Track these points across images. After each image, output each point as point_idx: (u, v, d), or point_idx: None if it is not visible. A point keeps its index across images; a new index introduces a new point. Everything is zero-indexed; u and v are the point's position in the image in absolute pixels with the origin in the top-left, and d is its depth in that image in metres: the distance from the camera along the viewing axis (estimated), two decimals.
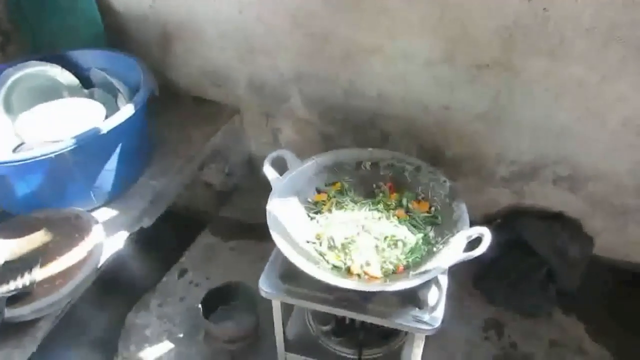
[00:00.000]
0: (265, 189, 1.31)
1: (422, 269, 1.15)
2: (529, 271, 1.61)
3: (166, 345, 1.56)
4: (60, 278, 1.25)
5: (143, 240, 1.57)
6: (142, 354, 1.54)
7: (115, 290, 1.65)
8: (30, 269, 1.25)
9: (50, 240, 1.34)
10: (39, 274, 1.25)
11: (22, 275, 1.23)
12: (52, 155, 1.28)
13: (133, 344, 1.57)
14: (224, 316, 1.60)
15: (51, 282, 1.24)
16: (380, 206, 1.33)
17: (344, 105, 1.69)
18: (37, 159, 1.27)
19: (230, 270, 1.79)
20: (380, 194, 1.38)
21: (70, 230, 1.35)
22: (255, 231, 1.81)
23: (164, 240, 1.80)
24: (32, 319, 1.18)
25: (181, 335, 1.59)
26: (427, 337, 1.20)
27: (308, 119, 1.79)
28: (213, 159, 1.89)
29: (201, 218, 2.03)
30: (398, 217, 1.30)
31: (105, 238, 1.36)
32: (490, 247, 1.10)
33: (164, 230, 1.68)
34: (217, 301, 1.60)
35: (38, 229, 1.35)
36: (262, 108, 1.86)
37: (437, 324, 1.13)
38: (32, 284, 1.22)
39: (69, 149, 1.29)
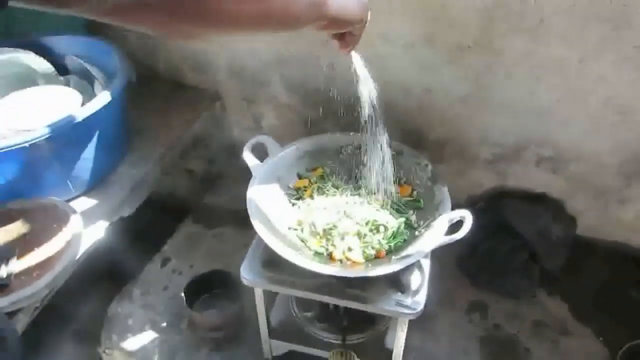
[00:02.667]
0: (248, 175, 1.30)
1: (404, 253, 1.14)
2: (513, 253, 1.62)
3: (149, 335, 1.55)
4: (38, 269, 1.23)
5: (125, 229, 1.55)
6: (125, 344, 1.53)
7: (97, 281, 1.63)
8: (6, 260, 1.22)
9: (27, 232, 1.31)
10: (16, 265, 1.23)
11: None
12: (27, 144, 1.25)
13: (116, 334, 1.55)
14: (207, 304, 1.59)
15: (29, 274, 1.22)
16: (362, 191, 1.32)
17: (326, 89, 1.66)
18: (11, 148, 1.24)
19: (213, 257, 1.78)
20: (362, 179, 1.37)
21: (47, 221, 1.32)
22: (239, 218, 1.79)
23: (146, 228, 1.78)
24: (10, 311, 1.17)
25: (164, 324, 1.58)
26: (411, 321, 1.20)
27: (290, 103, 1.77)
28: (195, 146, 1.86)
29: (184, 206, 2.01)
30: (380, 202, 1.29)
31: (84, 228, 1.34)
32: (474, 230, 1.10)
33: (146, 218, 1.67)
34: (200, 289, 1.59)
35: (14, 220, 1.32)
36: (243, 93, 1.83)
37: (420, 308, 1.13)
38: (9, 276, 1.20)
39: (44, 137, 1.26)
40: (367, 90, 1.11)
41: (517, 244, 1.62)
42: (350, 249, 1.18)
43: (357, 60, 1.07)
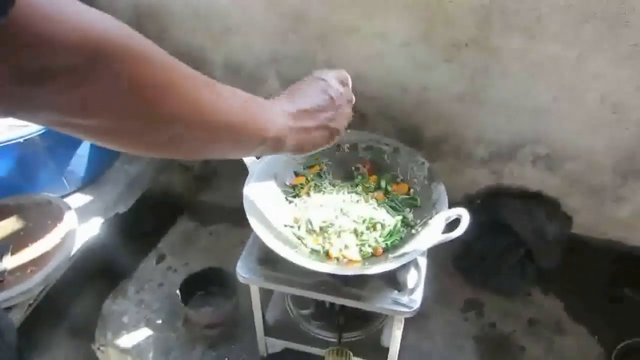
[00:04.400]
0: (245, 172, 1.29)
1: (401, 251, 1.14)
2: (508, 251, 1.62)
3: (144, 332, 1.54)
4: (32, 266, 1.23)
5: (120, 226, 1.54)
6: (119, 341, 1.52)
7: (91, 277, 1.62)
8: (0, 257, 1.22)
9: (21, 228, 1.31)
10: (10, 262, 1.23)
11: None
12: (21, 140, 1.25)
13: (110, 331, 1.54)
14: (203, 302, 1.58)
15: (23, 270, 1.22)
16: (359, 189, 1.32)
17: None
18: (5, 143, 1.24)
19: (209, 255, 1.77)
20: (359, 177, 1.37)
21: (42, 217, 1.32)
22: (235, 215, 1.78)
23: (141, 225, 1.77)
24: (4, 308, 1.16)
25: (160, 322, 1.57)
26: (407, 319, 1.19)
27: None
28: None
29: (179, 203, 2.00)
30: (377, 200, 1.29)
31: (79, 224, 1.33)
32: (470, 228, 1.09)
33: (141, 215, 1.66)
34: (196, 287, 1.58)
35: (8, 216, 1.32)
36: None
37: (416, 306, 1.13)
38: (3, 272, 1.20)
39: (38, 133, 1.26)
40: None
41: (512, 242, 1.62)
42: (346, 247, 1.18)
43: None
